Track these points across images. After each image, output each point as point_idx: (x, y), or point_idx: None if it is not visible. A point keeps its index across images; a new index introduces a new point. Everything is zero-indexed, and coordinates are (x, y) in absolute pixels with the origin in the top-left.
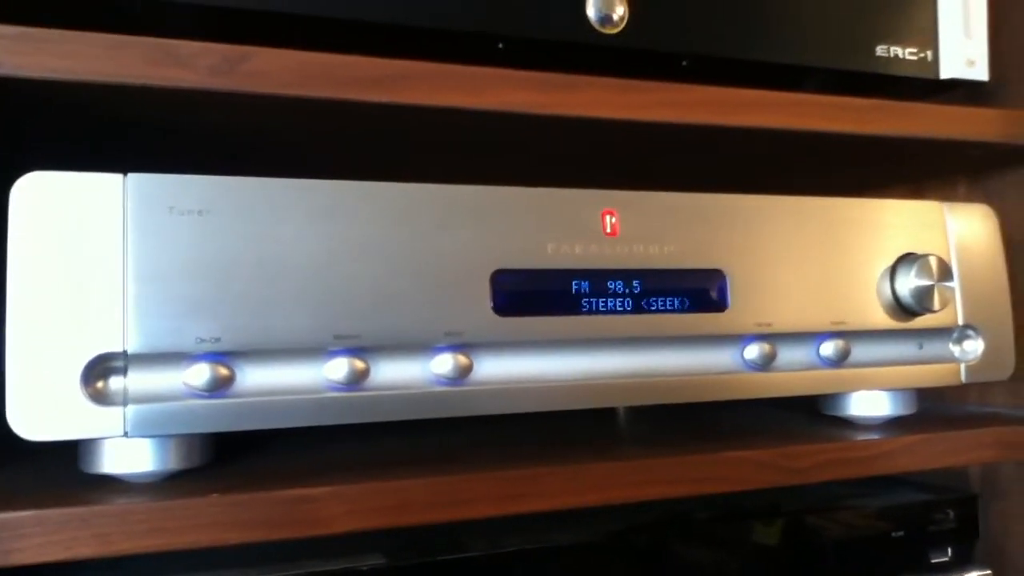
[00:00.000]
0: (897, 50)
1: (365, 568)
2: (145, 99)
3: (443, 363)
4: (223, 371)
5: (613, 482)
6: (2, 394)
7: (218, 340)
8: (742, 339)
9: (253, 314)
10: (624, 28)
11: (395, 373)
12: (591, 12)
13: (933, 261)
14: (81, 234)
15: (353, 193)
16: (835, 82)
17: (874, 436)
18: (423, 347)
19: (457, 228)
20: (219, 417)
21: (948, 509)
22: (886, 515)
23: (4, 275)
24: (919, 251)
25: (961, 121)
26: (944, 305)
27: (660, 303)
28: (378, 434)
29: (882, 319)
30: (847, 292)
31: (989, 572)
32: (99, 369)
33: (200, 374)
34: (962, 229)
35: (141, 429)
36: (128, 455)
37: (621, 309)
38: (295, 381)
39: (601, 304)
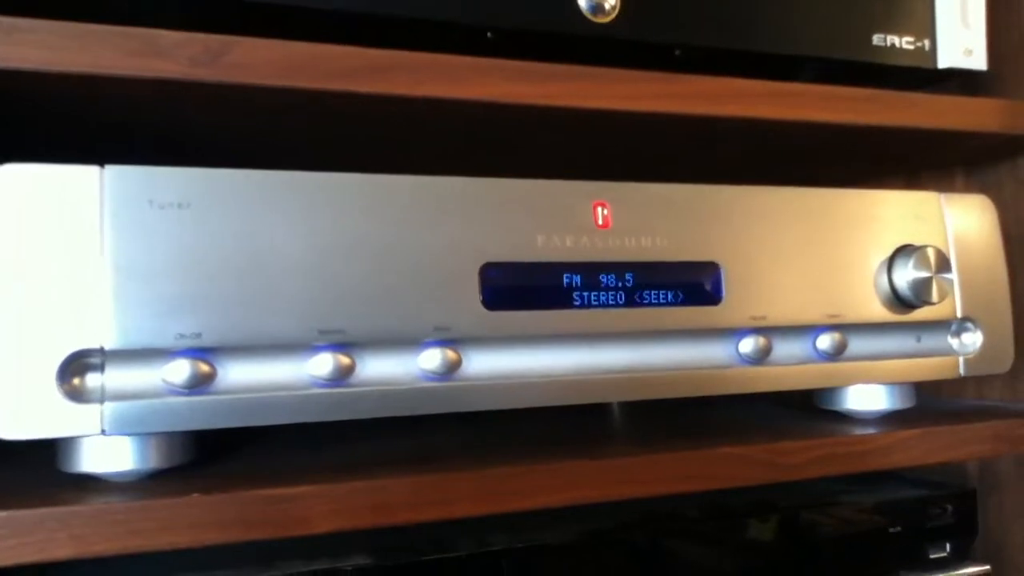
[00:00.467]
0: (894, 39)
1: (350, 568)
2: (124, 91)
3: (431, 358)
4: (204, 368)
5: (599, 481)
6: None
7: (199, 336)
8: (737, 333)
9: (235, 309)
10: (616, 17)
11: (382, 369)
12: (582, 1)
13: (931, 253)
14: (57, 228)
15: (338, 185)
16: (831, 72)
17: (870, 431)
18: (410, 342)
19: (445, 221)
20: (200, 415)
21: (946, 504)
22: (883, 511)
23: None
24: (917, 243)
25: (959, 111)
26: (942, 297)
27: (653, 296)
28: (363, 432)
29: (879, 312)
30: (844, 284)
31: (988, 568)
32: (76, 366)
33: (180, 371)
34: (960, 220)
35: (119, 427)
36: (107, 454)
37: (613, 303)
38: (279, 377)
39: (593, 298)
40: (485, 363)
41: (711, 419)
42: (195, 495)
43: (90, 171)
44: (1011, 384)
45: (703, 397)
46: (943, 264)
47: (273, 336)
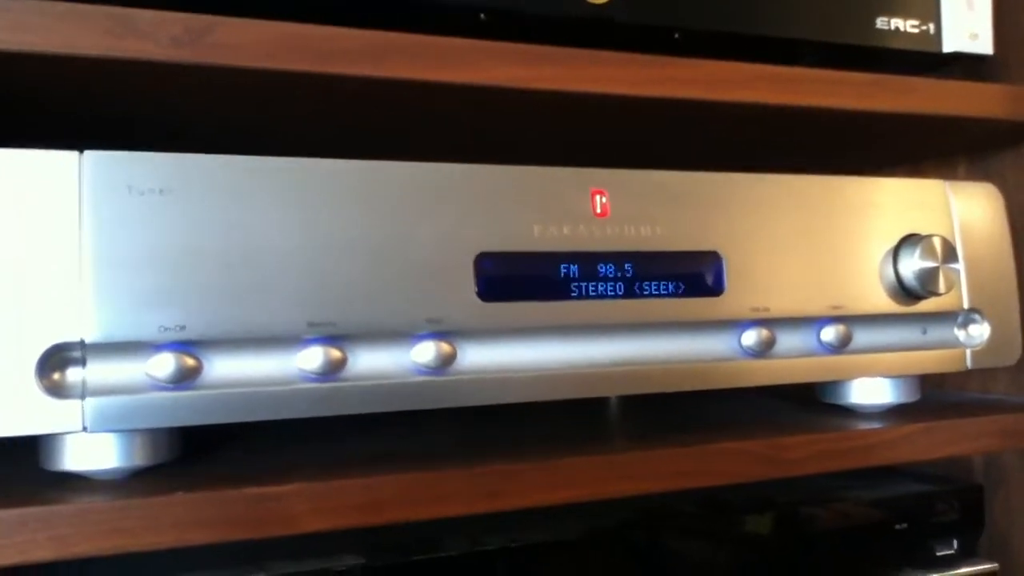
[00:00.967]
0: (898, 22)
1: (342, 568)
2: (102, 73)
3: (424, 351)
4: (189, 361)
5: (594, 478)
6: None
7: (183, 328)
8: (739, 324)
9: (220, 300)
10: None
11: (373, 362)
12: None
13: (937, 242)
14: (34, 216)
15: (327, 172)
16: (832, 57)
17: (874, 425)
18: (403, 335)
19: (439, 209)
20: (185, 410)
21: (953, 500)
22: (889, 507)
23: None
24: (922, 232)
25: (963, 97)
26: (949, 288)
27: (653, 287)
28: (352, 427)
29: (884, 303)
30: (848, 275)
31: (996, 566)
32: (55, 360)
33: (164, 365)
34: (966, 209)
35: (101, 424)
36: (90, 451)
37: (612, 294)
38: (266, 372)
39: (591, 289)
40: (480, 356)
41: (711, 413)
42: (180, 493)
43: (68, 156)
44: (1017, 377)
45: (703, 391)
46: (950, 254)
47: (261, 328)
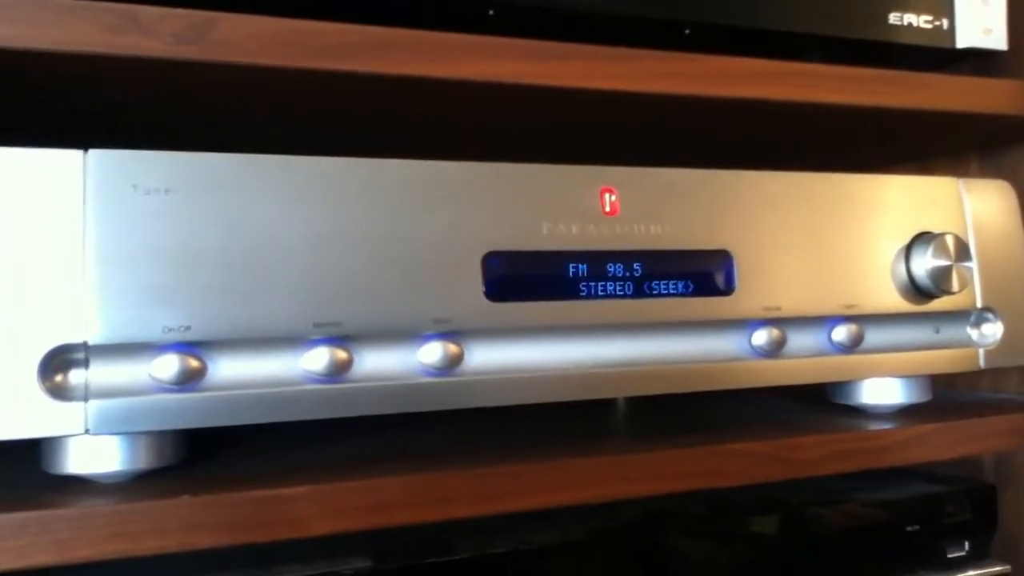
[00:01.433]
0: (911, 18)
1: (349, 571)
2: (104, 69)
3: (431, 352)
4: (193, 363)
5: (603, 479)
6: None
7: (187, 329)
8: (749, 324)
9: (225, 301)
10: None
11: (380, 363)
12: None
13: (950, 240)
14: (38, 215)
15: (332, 170)
16: (843, 52)
17: (886, 425)
18: (410, 335)
19: (445, 207)
20: (189, 413)
21: (965, 501)
22: (900, 508)
23: None
24: (935, 230)
25: (976, 93)
26: (962, 286)
27: (663, 287)
28: (358, 429)
29: (897, 302)
30: (860, 274)
31: (1008, 567)
32: (58, 361)
33: (168, 366)
34: (980, 206)
35: (104, 426)
36: (93, 454)
37: (621, 293)
38: (272, 373)
39: (600, 288)
40: (488, 357)
41: (721, 414)
42: (184, 497)
43: (72, 155)
44: None
45: (713, 391)
46: (963, 252)
47: (266, 329)
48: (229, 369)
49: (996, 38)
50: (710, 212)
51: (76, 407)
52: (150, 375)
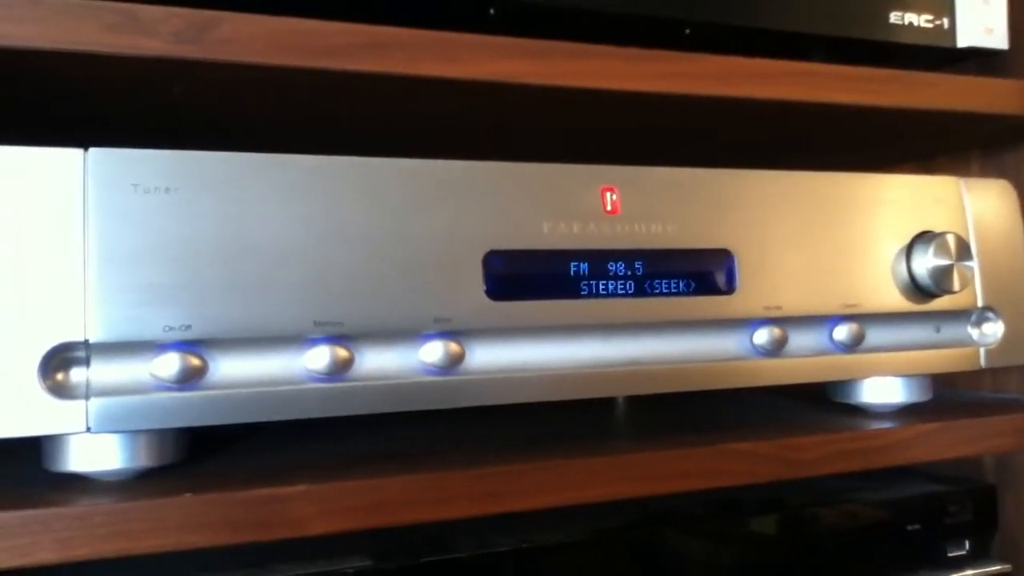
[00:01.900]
0: (912, 17)
1: (350, 570)
2: (104, 69)
3: (433, 351)
4: (194, 361)
5: (603, 479)
6: None
7: (188, 328)
8: (751, 323)
9: (226, 299)
10: None
11: (381, 362)
12: None
13: (951, 239)
14: (38, 214)
15: (334, 169)
16: (845, 52)
17: (887, 425)
18: (411, 334)
19: (447, 206)
20: (190, 411)
21: (965, 501)
22: (901, 508)
23: None
24: (936, 229)
25: (978, 92)
26: (963, 286)
27: (664, 286)
28: (358, 428)
29: (898, 301)
30: (861, 273)
31: (1009, 567)
32: (59, 360)
33: (169, 365)
34: (980, 206)
35: (106, 424)
36: (94, 452)
37: (622, 292)
38: (273, 371)
39: (601, 287)
40: (489, 356)
41: (722, 413)
42: (185, 495)
43: (72, 154)
44: None
45: (713, 390)
46: (964, 251)
47: (267, 328)
48: (230, 368)
49: (997, 37)
50: (711, 211)
51: (77, 405)
52: (151, 373)
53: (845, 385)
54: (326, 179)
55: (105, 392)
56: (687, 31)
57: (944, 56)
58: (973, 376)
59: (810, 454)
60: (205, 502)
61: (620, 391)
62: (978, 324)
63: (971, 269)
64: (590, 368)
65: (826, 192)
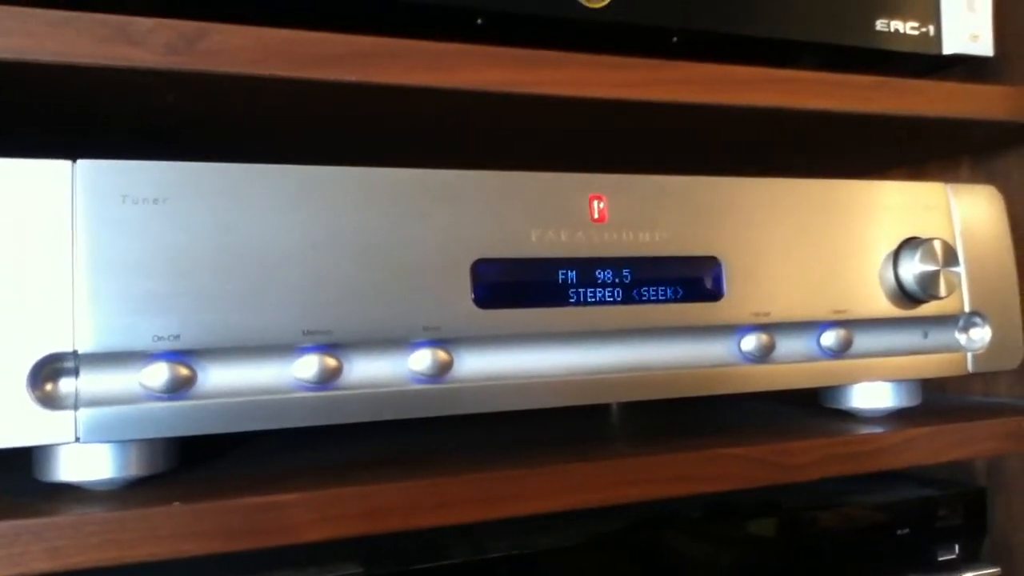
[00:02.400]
0: (898, 24)
1: None
2: (95, 80)
3: (421, 359)
4: (183, 371)
5: (597, 484)
6: None
7: (177, 338)
8: (739, 330)
9: (215, 309)
10: (610, 2)
11: (370, 371)
12: None
13: (938, 245)
14: (27, 225)
15: (321, 179)
16: (831, 58)
17: (876, 429)
18: (399, 343)
19: (434, 215)
20: (180, 421)
21: (955, 504)
22: (891, 511)
23: None
24: (923, 235)
25: (966, 99)
26: (950, 291)
27: (652, 293)
28: (351, 435)
29: (885, 307)
30: (848, 279)
31: (998, 570)
32: (48, 370)
33: (158, 374)
34: (967, 212)
35: (95, 434)
36: (84, 462)
37: (611, 299)
38: (262, 381)
39: (589, 294)
40: (477, 364)
41: (712, 419)
42: (176, 504)
43: (61, 166)
44: (1020, 380)
45: (704, 397)
46: (950, 257)
47: (256, 337)
48: (219, 377)
49: (983, 44)
50: (699, 218)
51: (66, 415)
52: (140, 383)
53: (835, 390)
54: (314, 188)
55: (94, 402)
56: (674, 39)
57: (930, 63)
58: (963, 381)
59: (802, 458)
60: (198, 510)
61: (609, 398)
62: (965, 329)
63: (958, 275)
64: (579, 375)
65: (814, 198)
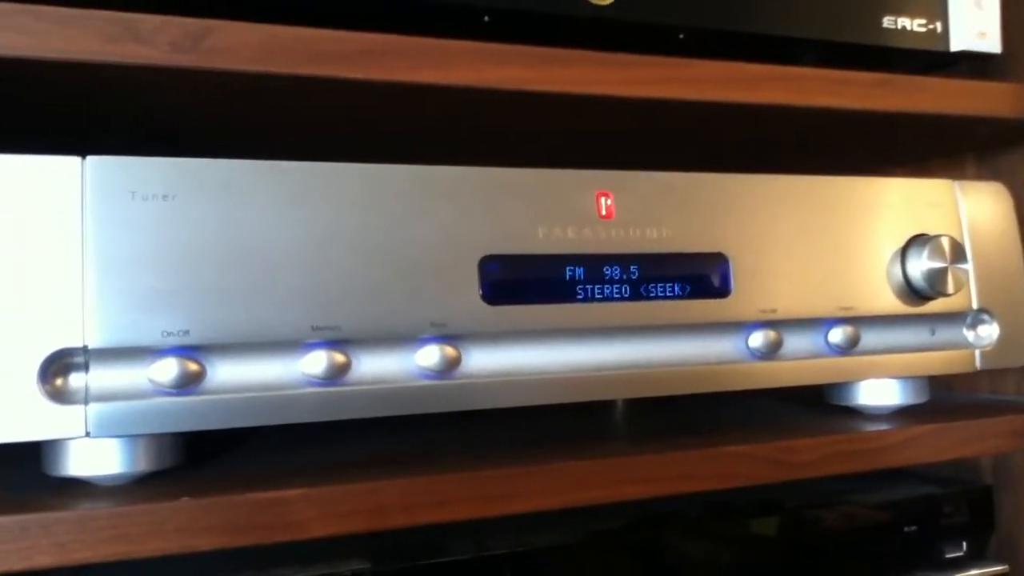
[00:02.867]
0: (905, 21)
1: (347, 573)
2: (102, 78)
3: (429, 355)
4: (192, 366)
5: (601, 481)
6: None
7: (186, 333)
8: (746, 326)
9: (223, 305)
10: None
11: (378, 366)
12: None
13: (946, 242)
14: (37, 221)
15: (330, 175)
16: (837, 56)
17: (883, 427)
18: (407, 338)
19: (442, 212)
20: (188, 416)
21: (962, 502)
22: (898, 509)
23: None
24: (931, 232)
25: (972, 96)
26: (958, 288)
27: (659, 289)
28: (357, 431)
29: (893, 304)
30: (856, 276)
31: (1006, 567)
32: (58, 365)
33: (167, 370)
34: (975, 208)
35: (104, 429)
36: (93, 456)
37: (618, 296)
38: (270, 376)
39: (597, 291)
40: (485, 360)
41: (718, 416)
42: (184, 499)
43: (70, 162)
44: None
45: (710, 393)
46: (958, 254)
47: (264, 333)
48: (228, 373)
49: (990, 41)
50: (706, 215)
51: (76, 410)
52: (149, 379)
53: (841, 387)
54: (322, 185)
55: (104, 397)
56: (681, 36)
57: (937, 60)
58: (970, 378)
59: (807, 456)
60: (205, 506)
61: (616, 394)
62: (973, 326)
63: (966, 272)
64: (586, 372)
65: (821, 195)
